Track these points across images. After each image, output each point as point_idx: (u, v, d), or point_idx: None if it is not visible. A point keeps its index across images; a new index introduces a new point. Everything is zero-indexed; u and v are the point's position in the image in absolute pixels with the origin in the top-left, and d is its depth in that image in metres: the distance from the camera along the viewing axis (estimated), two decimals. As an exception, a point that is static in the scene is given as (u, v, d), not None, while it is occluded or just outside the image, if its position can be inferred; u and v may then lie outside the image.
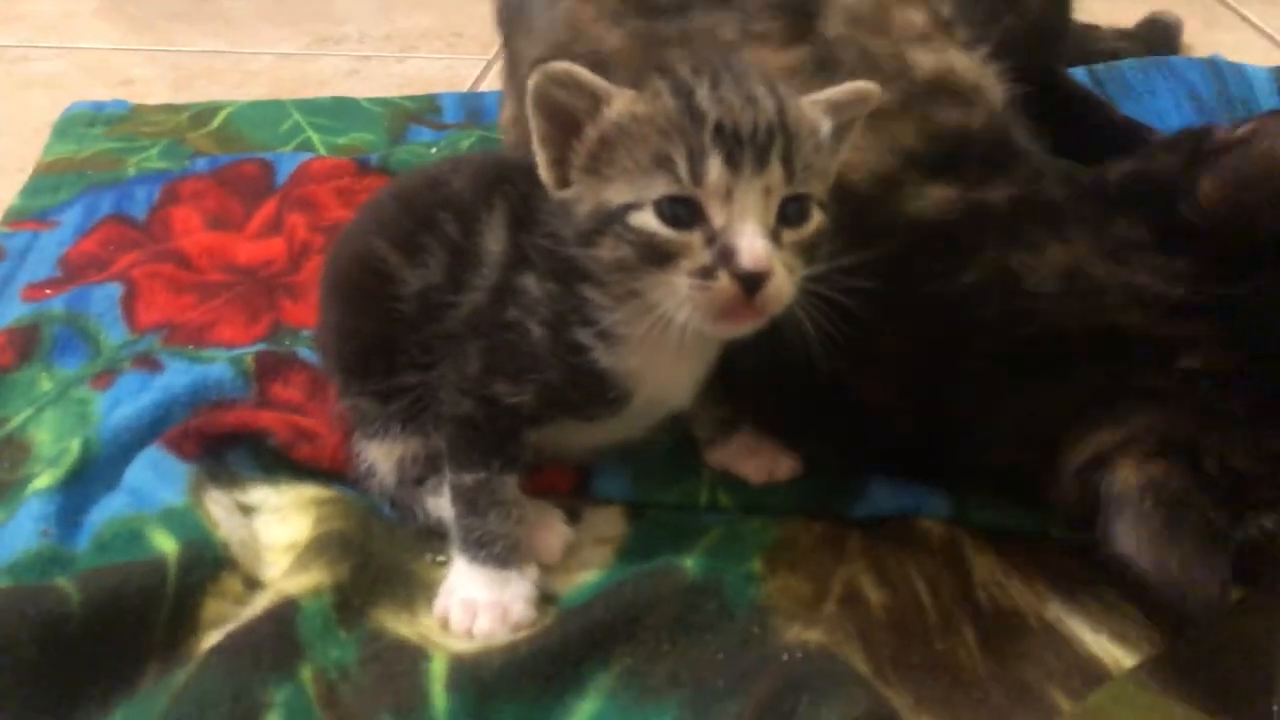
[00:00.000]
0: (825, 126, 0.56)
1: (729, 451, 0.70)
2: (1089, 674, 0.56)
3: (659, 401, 0.63)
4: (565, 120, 0.55)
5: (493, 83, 1.32)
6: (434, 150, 1.10)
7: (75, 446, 0.68)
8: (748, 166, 0.52)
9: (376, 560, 0.62)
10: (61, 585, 0.56)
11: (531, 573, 0.62)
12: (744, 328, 0.54)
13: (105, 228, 0.97)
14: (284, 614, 0.56)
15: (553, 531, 0.65)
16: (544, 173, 0.56)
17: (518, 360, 0.59)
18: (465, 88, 1.32)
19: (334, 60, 1.42)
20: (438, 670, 0.55)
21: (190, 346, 0.81)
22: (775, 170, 0.52)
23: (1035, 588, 0.61)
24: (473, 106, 1.22)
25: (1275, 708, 0.49)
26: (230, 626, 0.58)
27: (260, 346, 0.80)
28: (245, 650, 0.54)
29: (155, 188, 1.02)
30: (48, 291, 0.88)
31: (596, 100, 0.54)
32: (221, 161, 1.06)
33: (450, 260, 0.62)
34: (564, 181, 0.56)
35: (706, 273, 0.52)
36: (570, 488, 0.70)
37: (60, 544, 0.63)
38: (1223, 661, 0.54)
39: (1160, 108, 1.09)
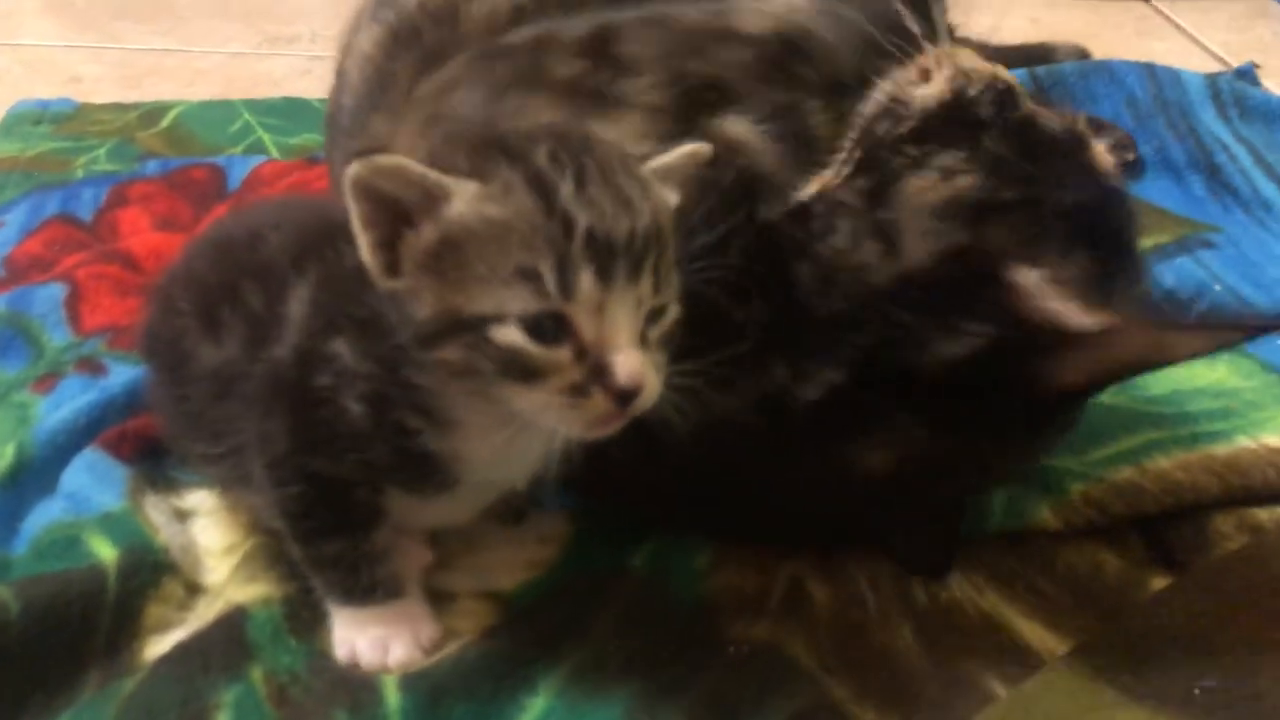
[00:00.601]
0: (673, 200, 0.52)
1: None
2: (1024, 662, 0.57)
3: (494, 483, 0.58)
4: (394, 209, 0.48)
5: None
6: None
7: (10, 451, 0.68)
8: (621, 279, 0.47)
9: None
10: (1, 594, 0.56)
11: (417, 590, 0.59)
12: (612, 430, 0.50)
13: (50, 228, 0.96)
14: (233, 620, 0.56)
15: (413, 554, 0.62)
16: (366, 257, 0.48)
17: (334, 437, 0.53)
18: (418, 88, 1.32)
19: (286, 60, 1.41)
20: (391, 671, 0.55)
21: (135, 350, 0.81)
22: (647, 280, 0.48)
23: (973, 580, 0.62)
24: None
25: (1196, 690, 0.51)
26: (174, 631, 0.58)
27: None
28: (194, 656, 0.54)
29: (103, 189, 1.01)
30: (-10, 292, 0.87)
31: (433, 197, 0.47)
32: (172, 165, 1.05)
33: (248, 332, 0.56)
34: (393, 270, 0.49)
35: (578, 389, 0.48)
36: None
37: (-4, 550, 0.62)
38: (1148, 647, 0.55)
39: (1100, 114, 1.11)
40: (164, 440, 0.67)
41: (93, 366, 0.78)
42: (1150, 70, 1.17)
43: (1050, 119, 0.59)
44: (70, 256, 0.92)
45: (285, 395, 0.53)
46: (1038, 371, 0.52)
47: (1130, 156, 1.08)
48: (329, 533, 0.56)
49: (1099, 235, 0.55)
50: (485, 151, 0.49)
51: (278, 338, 0.54)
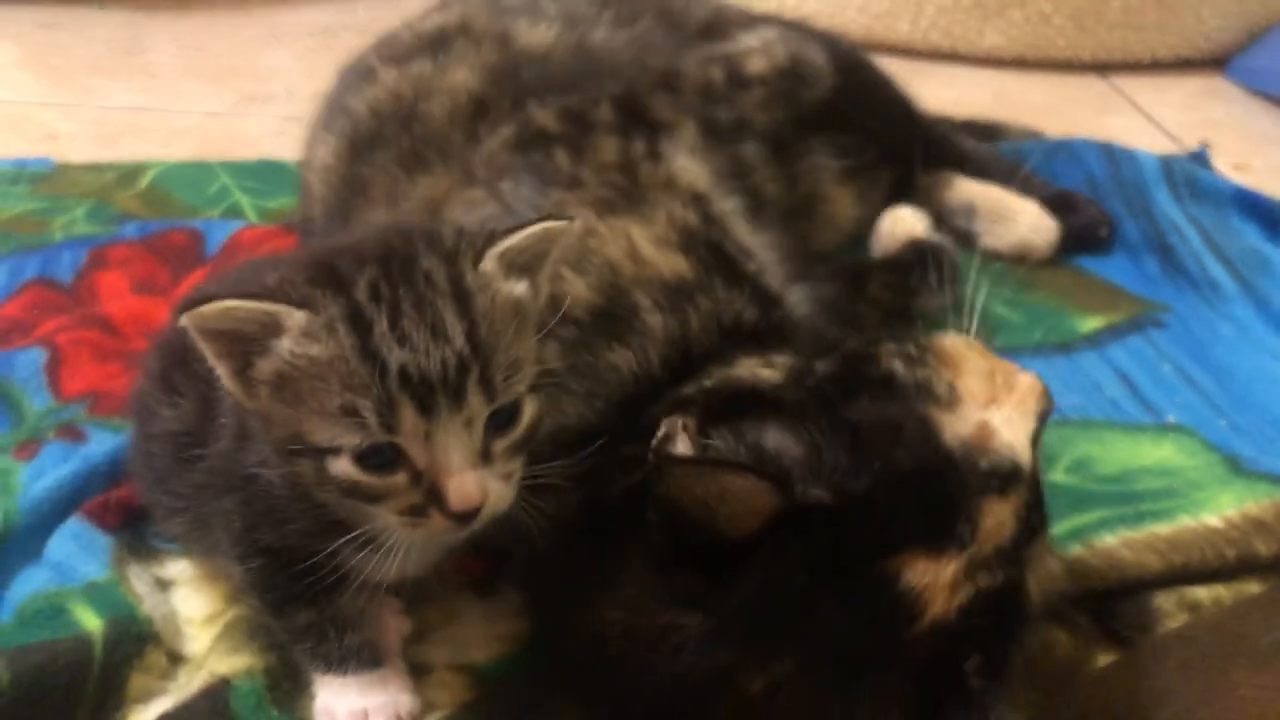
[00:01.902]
0: (520, 288, 0.53)
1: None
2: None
3: (426, 555, 0.60)
4: (241, 341, 0.50)
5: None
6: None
7: (-6, 518, 0.69)
8: (443, 409, 0.49)
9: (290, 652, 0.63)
10: (-13, 664, 0.57)
11: (397, 661, 0.61)
12: (462, 537, 0.53)
13: (30, 291, 0.97)
14: (218, 691, 0.58)
15: (389, 627, 0.63)
16: (227, 385, 0.51)
17: (269, 511, 0.55)
18: (394, 153, 1.35)
19: (261, 120, 1.43)
20: (372, 741, 0.57)
21: (115, 418, 0.82)
22: (474, 399, 0.50)
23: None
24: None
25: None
26: (156, 701, 0.60)
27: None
28: (182, 725, 0.55)
29: (82, 252, 1.03)
30: (-31, 356, 0.88)
31: (267, 328, 0.49)
32: (151, 229, 1.07)
33: (199, 408, 0.59)
34: (252, 395, 0.51)
35: (417, 510, 0.51)
36: (483, 567, 0.71)
37: (-20, 619, 0.63)
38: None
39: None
40: (143, 504, 0.69)
41: (73, 433, 0.79)
42: (1109, 150, 1.22)
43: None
44: (50, 320, 0.93)
45: (229, 474, 0.56)
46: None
47: (1104, 233, 1.13)
48: (295, 602, 0.58)
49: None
50: (320, 278, 0.51)
51: (219, 421, 0.56)
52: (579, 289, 0.66)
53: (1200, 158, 1.25)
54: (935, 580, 0.51)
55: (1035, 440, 0.58)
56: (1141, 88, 1.64)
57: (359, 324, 0.49)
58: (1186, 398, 0.91)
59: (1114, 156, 1.20)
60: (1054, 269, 1.08)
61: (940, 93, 1.33)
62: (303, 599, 0.57)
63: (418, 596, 0.66)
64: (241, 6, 1.85)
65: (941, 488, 0.52)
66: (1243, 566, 0.69)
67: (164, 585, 0.67)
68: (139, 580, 0.66)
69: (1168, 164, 1.19)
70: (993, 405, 0.57)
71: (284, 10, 1.85)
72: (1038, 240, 1.09)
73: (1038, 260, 1.08)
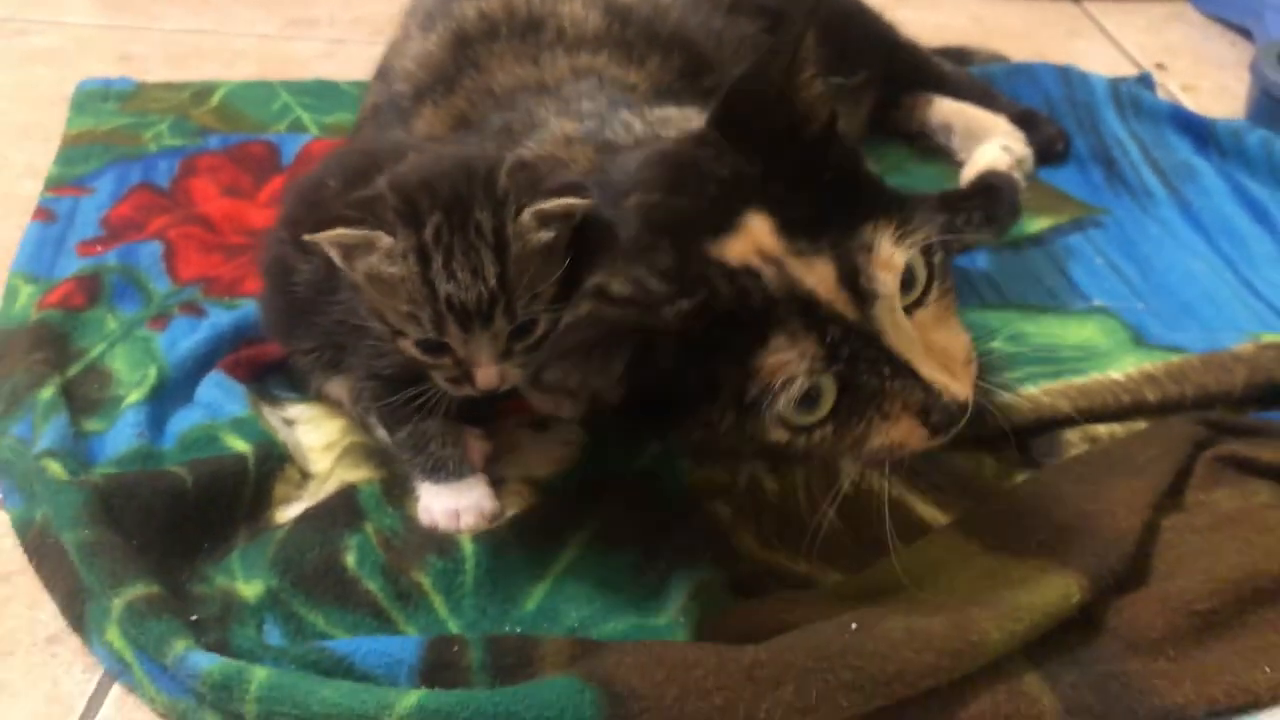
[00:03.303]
0: (548, 235, 0.69)
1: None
2: (920, 532, 0.78)
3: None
4: (347, 246, 0.69)
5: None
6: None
7: (153, 372, 0.87)
8: (476, 326, 0.68)
9: (399, 470, 0.81)
10: (176, 470, 0.76)
11: (480, 475, 0.79)
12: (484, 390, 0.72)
13: (137, 195, 1.14)
14: (348, 493, 0.77)
15: (474, 448, 0.81)
16: (339, 264, 0.70)
17: (373, 347, 0.75)
18: (432, 72, 1.50)
19: (310, 44, 1.58)
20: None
21: (225, 297, 1.00)
22: (499, 321, 0.68)
23: (888, 476, 0.83)
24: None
25: (1034, 543, 0.73)
26: (293, 504, 0.79)
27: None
28: (325, 515, 0.74)
29: (174, 161, 1.20)
30: (98, 248, 1.05)
31: (363, 244, 0.68)
32: (232, 141, 1.24)
33: (327, 263, 0.73)
34: (355, 273, 0.70)
35: (456, 380, 0.72)
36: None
37: (151, 444, 0.82)
38: (1006, 518, 0.76)
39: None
40: (266, 360, 0.89)
41: (195, 309, 0.97)
42: (1065, 73, 1.38)
43: None
44: (157, 219, 1.10)
45: (354, 316, 0.75)
46: None
47: (1060, 147, 1.29)
48: (399, 421, 0.78)
49: None
50: (404, 209, 0.68)
51: (340, 271, 0.73)
52: None
53: (1145, 80, 1.40)
54: None
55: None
56: (1110, 12, 1.78)
57: (423, 258, 0.68)
58: (1112, 285, 1.08)
59: (1069, 79, 1.36)
60: (1012, 178, 1.25)
61: (922, 16, 1.48)
62: (402, 415, 0.77)
63: (493, 430, 0.84)
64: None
65: None
66: (1134, 409, 0.87)
67: (289, 423, 0.86)
68: (272, 417, 0.85)
69: (1115, 86, 1.35)
70: None
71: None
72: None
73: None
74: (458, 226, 0.68)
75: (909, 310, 0.68)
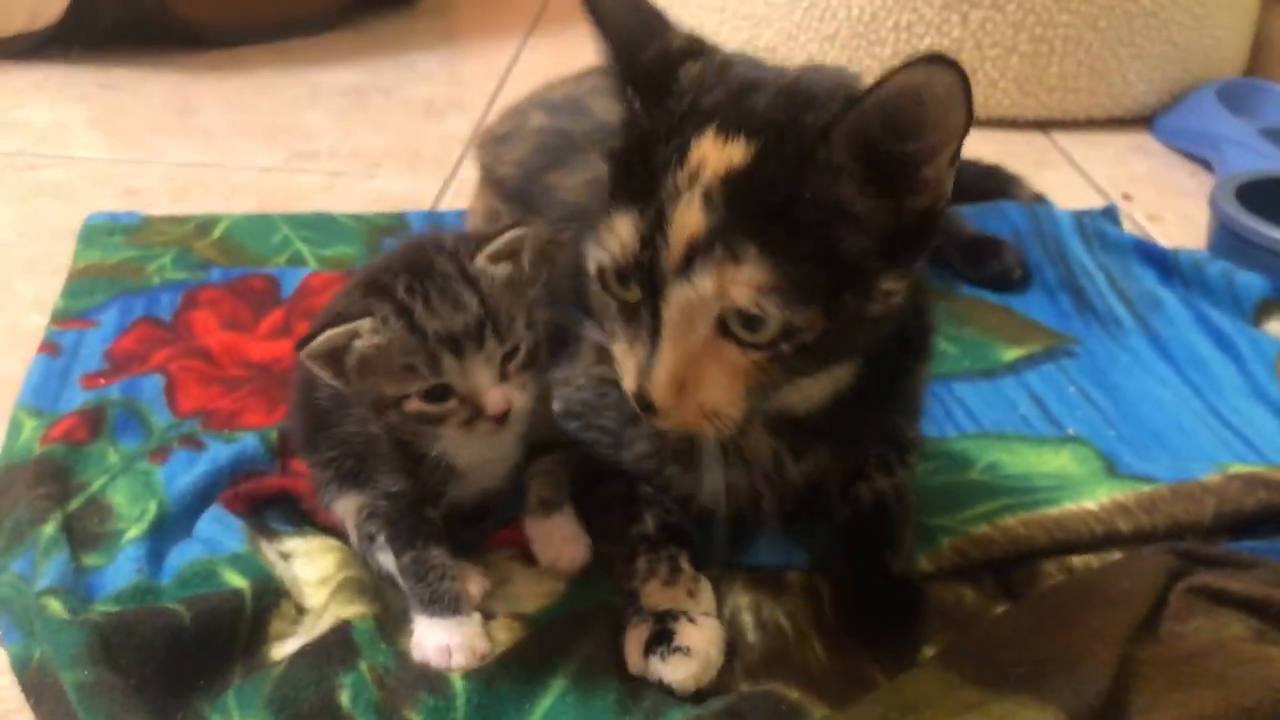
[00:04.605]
0: (504, 270, 0.77)
1: (539, 527, 0.88)
2: (905, 661, 0.80)
3: (489, 470, 0.85)
4: (335, 351, 0.75)
5: (451, 201, 1.55)
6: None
7: (152, 507, 0.89)
8: (469, 351, 0.73)
9: (393, 604, 0.84)
10: (175, 607, 0.77)
11: (476, 613, 0.81)
12: (505, 436, 0.79)
13: (139, 328, 1.18)
14: (343, 629, 0.78)
15: (473, 583, 0.84)
16: (330, 382, 0.77)
17: (384, 460, 0.81)
18: (427, 206, 1.55)
19: (310, 177, 1.64)
20: (455, 666, 0.78)
21: (224, 430, 1.02)
22: (489, 343, 0.74)
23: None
24: (436, 224, 1.45)
25: (1010, 675, 0.74)
26: (289, 640, 0.80)
27: (280, 427, 1.01)
28: (320, 652, 0.76)
29: (177, 294, 1.23)
30: (101, 381, 1.08)
31: (349, 336, 0.73)
32: (233, 274, 1.28)
33: (333, 390, 0.80)
34: (346, 381, 0.76)
35: (468, 422, 0.75)
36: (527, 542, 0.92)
37: (151, 580, 0.83)
38: (985, 650, 0.78)
39: (993, 238, 1.39)
40: (263, 495, 0.92)
41: (194, 443, 1.00)
42: (1032, 211, 1.44)
43: None
44: (159, 352, 1.13)
45: (362, 433, 0.82)
46: None
47: (1018, 273, 1.35)
48: (404, 545, 0.81)
49: None
50: (371, 290, 0.75)
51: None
52: None
53: (1110, 213, 1.47)
54: None
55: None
56: (1076, 144, 1.86)
57: (404, 312, 0.73)
58: (1085, 413, 1.12)
59: (1035, 214, 1.42)
60: (984, 307, 1.30)
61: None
62: (409, 541, 0.81)
63: (484, 562, 0.87)
64: (277, 68, 2.05)
65: None
66: (1108, 540, 0.90)
67: (285, 557, 0.88)
68: (269, 552, 0.87)
69: (1079, 218, 1.41)
70: None
71: (317, 70, 2.06)
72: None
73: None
74: (425, 276, 0.75)
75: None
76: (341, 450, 0.85)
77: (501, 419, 0.76)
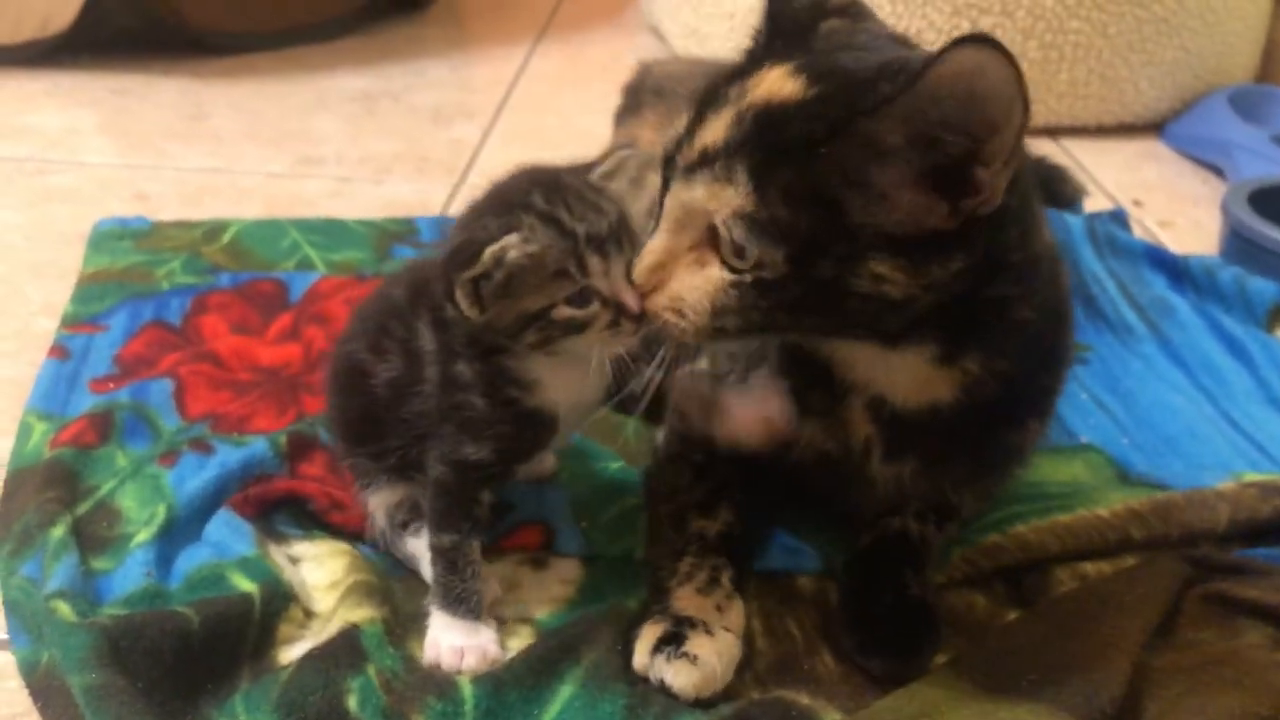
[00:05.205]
0: (618, 185, 0.82)
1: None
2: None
3: (576, 417, 0.86)
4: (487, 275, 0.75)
5: (460, 207, 1.55)
6: (417, 265, 1.32)
7: (162, 510, 0.89)
8: (612, 252, 0.75)
9: (403, 608, 0.83)
10: (183, 610, 0.77)
11: (493, 619, 0.82)
12: (638, 337, 0.78)
13: (149, 332, 1.18)
14: (351, 634, 0.77)
15: (488, 587, 0.84)
16: (468, 313, 0.76)
17: (474, 425, 0.79)
18: (436, 211, 1.55)
19: (318, 182, 1.64)
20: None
21: (234, 434, 1.02)
22: (627, 246, 0.76)
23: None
24: (445, 229, 1.45)
25: (1023, 683, 0.74)
26: (296, 644, 0.80)
27: (290, 430, 1.01)
28: (328, 656, 0.75)
29: (187, 299, 1.23)
30: (110, 385, 1.08)
31: (498, 257, 0.73)
32: (242, 279, 1.28)
33: (405, 356, 0.81)
34: (481, 310, 0.75)
35: (612, 324, 0.76)
36: (539, 544, 0.92)
37: (160, 583, 0.83)
38: (998, 657, 0.78)
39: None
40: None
41: (203, 446, 1.00)
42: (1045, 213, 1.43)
43: None
44: (169, 356, 1.13)
45: (443, 409, 0.80)
46: None
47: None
48: (450, 526, 0.80)
49: None
50: (503, 210, 0.76)
51: (425, 369, 0.81)
52: None
53: (1119, 216, 1.46)
54: None
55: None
56: (1086, 150, 1.86)
57: (550, 220, 0.75)
58: (1099, 421, 1.11)
59: (1048, 219, 1.41)
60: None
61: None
62: (454, 521, 0.80)
63: (493, 572, 0.86)
64: (287, 74, 2.06)
65: None
66: (1121, 547, 0.89)
67: (294, 560, 0.87)
68: (278, 555, 0.86)
69: (1090, 223, 1.40)
70: None
71: (325, 76, 2.06)
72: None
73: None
74: (556, 189, 0.76)
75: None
76: (404, 437, 0.83)
77: (641, 318, 0.76)
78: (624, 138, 1.16)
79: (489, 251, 0.73)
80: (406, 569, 0.88)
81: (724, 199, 0.69)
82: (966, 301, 0.73)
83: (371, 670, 0.75)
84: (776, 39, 0.76)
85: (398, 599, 0.84)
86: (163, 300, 1.23)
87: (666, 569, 0.85)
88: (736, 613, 0.83)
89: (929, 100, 0.64)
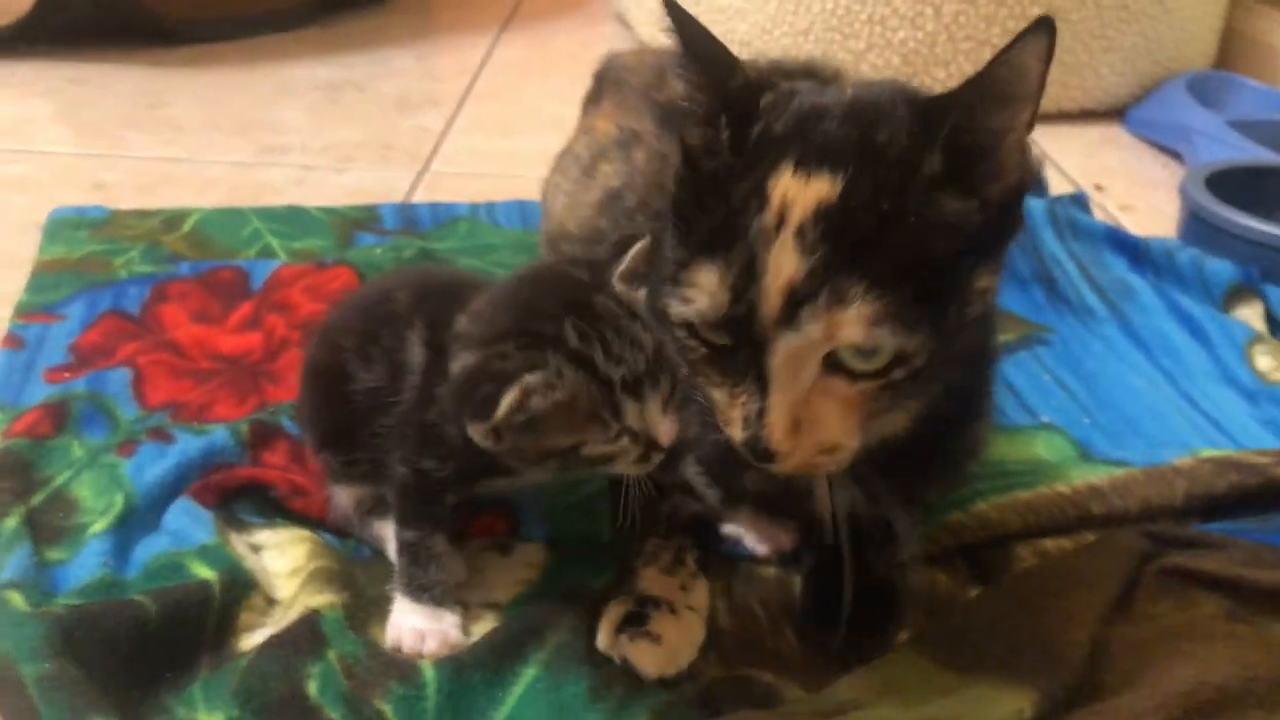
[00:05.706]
0: (640, 293, 0.76)
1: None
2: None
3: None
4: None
5: (423, 195, 1.55)
6: (379, 251, 1.31)
7: (119, 500, 0.88)
8: (648, 390, 0.72)
9: (365, 592, 0.83)
10: (140, 599, 0.76)
11: (458, 606, 0.81)
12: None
13: (106, 321, 1.16)
14: (311, 619, 0.77)
15: (455, 568, 0.83)
16: (483, 444, 0.71)
17: (441, 447, 0.77)
18: (400, 198, 1.54)
19: (281, 170, 1.62)
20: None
21: (194, 423, 1.01)
22: (662, 378, 0.72)
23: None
24: (409, 216, 1.44)
25: (984, 660, 0.75)
26: (258, 631, 0.79)
27: (252, 419, 1.00)
28: (288, 643, 0.74)
29: (145, 288, 1.22)
30: (66, 375, 1.06)
31: (520, 404, 0.68)
32: (203, 267, 1.26)
33: (389, 368, 0.79)
34: (498, 442, 0.71)
35: (641, 459, 0.73)
36: (505, 529, 0.92)
37: (116, 573, 0.82)
38: (959, 634, 0.78)
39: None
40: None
41: (162, 435, 0.98)
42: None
43: None
44: (127, 345, 1.12)
45: (415, 418, 0.78)
46: None
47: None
48: (412, 523, 0.80)
49: None
50: (531, 343, 0.70)
51: (407, 381, 0.78)
52: None
53: (1079, 199, 1.47)
54: None
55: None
56: (1048, 136, 1.87)
57: (583, 361, 0.70)
58: (1060, 401, 1.12)
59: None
60: (959, 298, 1.30)
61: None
62: (418, 520, 0.79)
63: (460, 551, 0.86)
64: (250, 62, 2.04)
65: None
66: (1081, 523, 0.90)
67: (255, 549, 0.86)
68: (238, 544, 0.86)
69: (1052, 207, 1.41)
70: None
71: (289, 65, 2.04)
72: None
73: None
74: (593, 318, 0.71)
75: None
76: (373, 452, 0.81)
77: (664, 449, 0.74)
78: (584, 126, 1.14)
79: (507, 400, 0.67)
80: (369, 553, 0.88)
81: (851, 319, 0.63)
82: None
83: (332, 655, 0.75)
84: (736, 134, 0.69)
85: (359, 584, 0.83)
86: (121, 289, 1.22)
87: (632, 549, 0.85)
88: (701, 592, 0.83)
89: (972, 101, 0.65)
